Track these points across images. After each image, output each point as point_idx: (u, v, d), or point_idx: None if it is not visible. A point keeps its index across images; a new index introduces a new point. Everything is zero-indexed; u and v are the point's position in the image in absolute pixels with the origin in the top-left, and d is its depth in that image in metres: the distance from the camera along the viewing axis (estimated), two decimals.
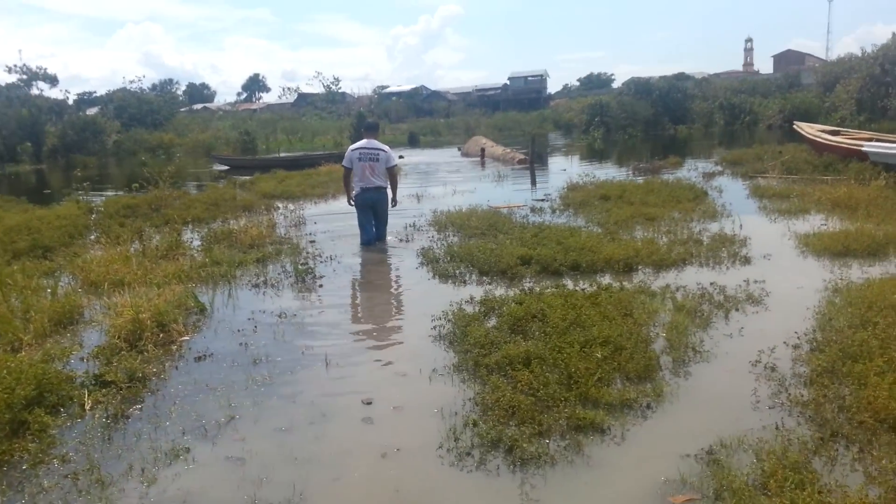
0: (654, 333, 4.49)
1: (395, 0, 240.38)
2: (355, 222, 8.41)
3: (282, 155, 29.06)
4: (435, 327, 4.88)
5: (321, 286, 6.46)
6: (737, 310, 5.01)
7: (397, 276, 7.03)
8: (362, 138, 8.29)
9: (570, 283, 6.02)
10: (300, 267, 6.80)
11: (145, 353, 4.47)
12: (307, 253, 7.92)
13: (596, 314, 4.67)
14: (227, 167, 24.38)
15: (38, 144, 34.50)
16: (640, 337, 4.29)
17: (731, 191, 11.68)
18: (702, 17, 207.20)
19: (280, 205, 12.88)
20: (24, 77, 40.84)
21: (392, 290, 6.62)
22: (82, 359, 4.50)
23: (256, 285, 6.52)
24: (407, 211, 11.11)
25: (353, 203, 8.24)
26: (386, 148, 8.26)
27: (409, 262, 7.33)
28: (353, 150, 8.17)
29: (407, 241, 8.46)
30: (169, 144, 38.11)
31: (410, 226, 9.39)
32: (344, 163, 8.24)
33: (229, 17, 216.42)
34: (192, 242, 8.59)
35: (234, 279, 6.70)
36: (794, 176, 12.51)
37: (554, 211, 10.36)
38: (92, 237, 9.76)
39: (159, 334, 4.75)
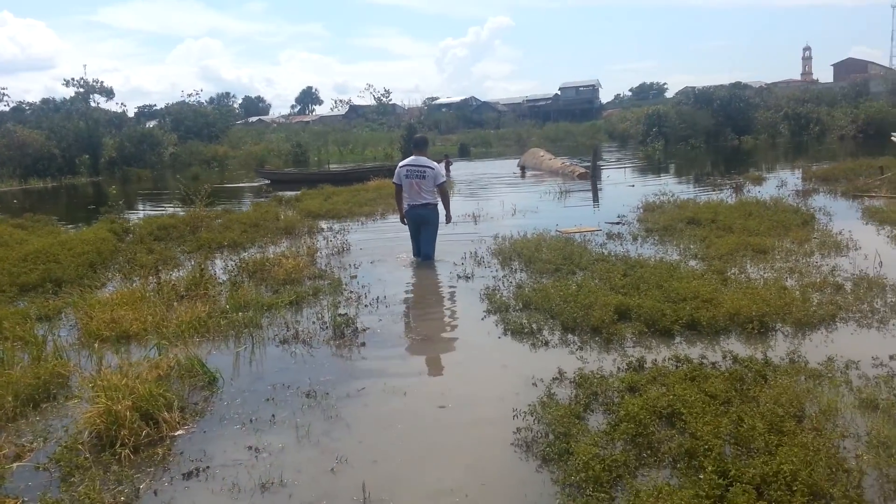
0: (851, 454, 3.00)
1: (444, 14, 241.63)
2: (399, 240, 8.56)
3: (330, 168, 28.17)
4: (519, 429, 3.47)
5: (363, 344, 5.12)
6: None
7: (459, 332, 5.62)
8: (412, 153, 8.11)
9: (687, 348, 4.60)
10: (338, 317, 5.51)
11: (116, 467, 3.22)
12: (350, 292, 6.67)
13: (757, 417, 3.20)
14: (270, 181, 23.49)
15: (95, 157, 34.63)
16: (840, 466, 2.80)
17: (840, 214, 10.04)
18: (756, 26, 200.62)
19: (324, 225, 11.82)
20: (81, 90, 41.35)
21: (453, 353, 5.12)
22: (37, 467, 3.29)
23: (285, 340, 5.25)
24: (464, 234, 9.85)
25: (405, 221, 8.10)
26: (434, 164, 7.95)
27: (472, 310, 5.96)
28: (401, 167, 7.96)
29: (467, 278, 7.10)
30: (223, 157, 38.17)
31: (470, 255, 8.07)
32: (394, 180, 8.06)
33: (284, 31, 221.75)
34: (220, 276, 7.45)
35: (259, 330, 5.48)
36: None
37: (635, 238, 8.89)
38: (116, 266, 8.76)
39: (143, 430, 3.49)
